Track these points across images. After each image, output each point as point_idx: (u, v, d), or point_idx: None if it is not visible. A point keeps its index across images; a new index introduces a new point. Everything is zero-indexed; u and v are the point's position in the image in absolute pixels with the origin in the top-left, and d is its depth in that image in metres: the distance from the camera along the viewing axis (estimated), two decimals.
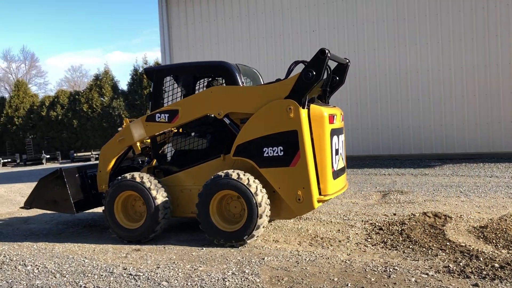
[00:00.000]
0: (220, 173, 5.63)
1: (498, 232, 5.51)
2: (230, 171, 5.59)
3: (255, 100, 5.69)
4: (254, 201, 5.39)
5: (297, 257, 5.10)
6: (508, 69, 12.39)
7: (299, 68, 5.70)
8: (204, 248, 5.65)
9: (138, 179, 6.00)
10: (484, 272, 4.25)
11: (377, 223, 6.33)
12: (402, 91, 13.51)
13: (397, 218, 6.52)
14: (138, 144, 6.46)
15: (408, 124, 13.48)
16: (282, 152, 5.47)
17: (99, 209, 7.58)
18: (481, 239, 5.33)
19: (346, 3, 13.93)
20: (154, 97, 6.47)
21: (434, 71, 13.12)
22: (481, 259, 4.61)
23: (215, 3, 15.48)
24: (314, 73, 5.34)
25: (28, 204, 6.88)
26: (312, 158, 5.45)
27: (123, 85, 56.86)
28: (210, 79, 6.78)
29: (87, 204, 6.88)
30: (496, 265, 4.40)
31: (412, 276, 4.30)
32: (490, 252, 4.82)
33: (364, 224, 6.39)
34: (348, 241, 5.62)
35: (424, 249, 5.10)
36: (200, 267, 4.95)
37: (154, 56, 69.80)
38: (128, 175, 6.11)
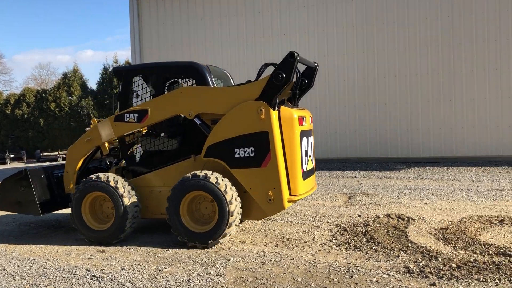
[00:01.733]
0: (188, 174, 5.61)
1: (457, 234, 5.69)
2: (197, 172, 5.59)
3: (226, 101, 5.72)
4: (225, 199, 5.40)
5: (263, 258, 5.14)
6: (470, 76, 12.79)
7: (269, 70, 5.77)
8: (170, 250, 5.62)
9: (105, 180, 5.92)
10: (442, 272, 4.39)
11: (342, 225, 6.44)
12: (369, 96, 13.79)
13: (361, 220, 6.65)
14: (106, 144, 6.40)
15: (375, 128, 13.76)
16: (253, 153, 5.51)
17: (65, 211, 7.44)
18: (441, 240, 5.50)
19: (316, 9, 14.11)
20: (122, 97, 6.43)
21: (401, 77, 13.44)
22: (440, 259, 4.76)
23: (187, 4, 15.43)
24: (284, 75, 5.42)
25: None
26: (283, 159, 5.52)
27: (93, 84, 55.91)
28: (178, 79, 6.69)
29: (53, 205, 6.73)
30: (454, 265, 4.55)
31: (374, 277, 4.40)
32: (449, 253, 4.98)
33: (330, 225, 6.49)
34: (313, 242, 5.70)
35: (386, 250, 5.22)
36: (165, 268, 4.93)
37: (126, 55, 68.94)
38: (95, 176, 6.02)
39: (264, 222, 6.84)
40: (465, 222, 6.21)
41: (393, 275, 4.41)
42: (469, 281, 4.16)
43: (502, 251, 4.96)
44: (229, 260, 5.10)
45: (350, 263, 4.82)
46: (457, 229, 5.90)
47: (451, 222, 6.26)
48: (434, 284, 4.13)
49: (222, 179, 5.53)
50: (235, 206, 5.48)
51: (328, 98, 14.15)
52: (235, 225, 5.59)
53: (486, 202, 7.72)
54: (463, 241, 5.41)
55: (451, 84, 12.96)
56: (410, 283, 4.21)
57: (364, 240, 5.65)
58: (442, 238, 5.60)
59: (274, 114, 5.49)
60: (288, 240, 5.86)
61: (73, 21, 79.10)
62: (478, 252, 4.98)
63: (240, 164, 5.57)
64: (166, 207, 5.67)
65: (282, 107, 5.65)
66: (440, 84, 13.06)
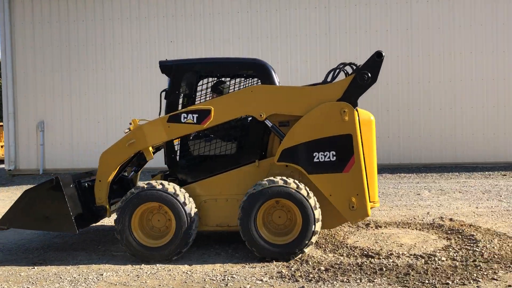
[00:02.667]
0: (263, 181, 5.16)
1: (327, 238, 6.05)
2: (273, 178, 5.15)
3: (304, 102, 5.36)
4: (310, 206, 5.04)
5: (139, 270, 4.98)
6: (406, 86, 13.22)
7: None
8: (35, 267, 5.19)
9: (170, 189, 5.21)
10: (311, 275, 4.63)
11: (223, 232, 6.49)
12: None
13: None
14: (150, 148, 5.63)
15: None
16: (334, 157, 5.19)
17: None
18: (313, 245, 5.80)
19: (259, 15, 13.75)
20: (172, 95, 5.70)
21: None
22: (310, 263, 5.02)
23: (66, 2, 14.53)
24: (370, 75, 5.21)
25: (5, 223, 5.50)
26: (363, 164, 5.24)
27: None
28: (242, 78, 6.08)
29: (85, 220, 5.67)
30: (322, 268, 4.83)
31: (248, 283, 4.49)
32: (319, 256, 5.27)
33: (213, 234, 6.50)
34: (191, 252, 5.65)
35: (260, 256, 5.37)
36: None
37: None
38: (144, 184, 5.32)
39: None
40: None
41: (266, 281, 4.55)
42: (334, 282, 4.44)
43: (365, 252, 5.37)
44: (102, 275, 4.86)
45: (226, 271, 4.87)
46: (328, 233, 6.28)
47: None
48: (302, 287, 4.34)
49: (301, 184, 5.15)
50: (318, 212, 5.13)
51: None
52: (318, 233, 5.24)
53: None
54: (332, 244, 5.76)
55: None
56: (282, 287, 4.38)
57: (243, 247, 5.74)
58: (314, 242, 5.91)
59: (357, 115, 5.23)
60: None
61: None
62: (344, 254, 5.35)
63: (320, 169, 5.20)
64: (239, 217, 5.14)
65: (358, 109, 5.34)
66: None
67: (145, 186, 5.26)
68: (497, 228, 6.32)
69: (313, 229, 5.04)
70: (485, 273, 4.53)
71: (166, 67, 5.77)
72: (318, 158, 5.20)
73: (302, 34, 13.58)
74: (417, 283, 4.35)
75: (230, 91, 6.01)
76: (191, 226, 5.20)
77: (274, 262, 5.09)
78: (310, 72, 13.46)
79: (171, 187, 5.25)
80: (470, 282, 4.32)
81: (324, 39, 13.50)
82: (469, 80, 13.06)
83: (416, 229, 6.46)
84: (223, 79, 6.14)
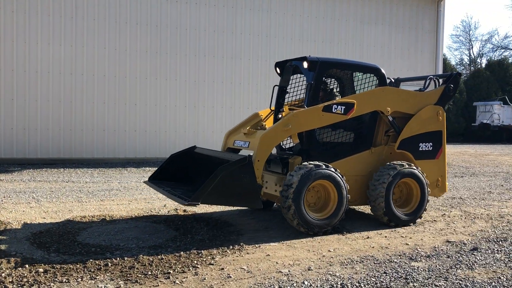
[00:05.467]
0: (393, 163, 6.56)
1: (54, 237, 5.60)
2: (401, 162, 6.60)
3: (416, 103, 6.91)
4: (425, 182, 6.70)
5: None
6: (80, 78, 13.04)
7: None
8: None
9: (332, 169, 6.05)
10: (25, 280, 4.16)
11: None
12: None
13: None
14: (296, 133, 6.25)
15: None
16: (431, 147, 6.98)
17: None
18: (35, 245, 5.27)
19: None
20: (314, 87, 6.51)
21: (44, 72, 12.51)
22: (26, 266, 4.50)
23: None
24: (453, 87, 7.11)
25: (198, 199, 5.38)
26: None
27: None
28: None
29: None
30: (40, 270, 4.38)
31: None
32: (42, 257, 4.81)
33: None
34: None
35: None
36: None
37: None
38: (312, 164, 5.98)
39: None
40: (62, 226, 6.17)
41: None
42: (52, 284, 4.09)
43: (93, 249, 5.16)
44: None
45: None
46: (56, 231, 5.82)
47: (52, 225, 6.15)
48: None
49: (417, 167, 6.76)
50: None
51: None
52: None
53: (93, 202, 7.99)
54: (57, 243, 5.35)
55: (72, 85, 12.95)
56: None
57: None
58: (37, 242, 5.37)
59: (445, 117, 7.13)
60: None
61: None
62: (70, 253, 5.01)
63: (422, 156, 6.92)
64: (380, 193, 6.36)
65: None
66: (60, 84, 12.86)
67: (313, 166, 5.91)
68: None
69: (427, 198, 6.69)
70: (204, 259, 4.88)
71: (312, 62, 6.52)
72: (421, 147, 6.92)
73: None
74: (140, 275, 4.37)
75: (333, 89, 7.30)
76: (347, 199, 6.09)
77: None
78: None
79: (330, 167, 6.04)
80: (189, 269, 4.58)
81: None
82: None
83: (150, 221, 6.56)
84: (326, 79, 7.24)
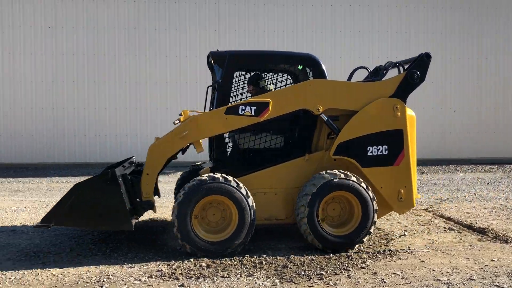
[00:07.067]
0: (326, 174, 5.21)
1: None
2: (335, 171, 5.24)
3: (360, 97, 5.47)
4: (369, 197, 5.20)
5: (1, 277, 4.49)
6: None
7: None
8: None
9: (233, 182, 5.06)
10: (192, 272, 4.56)
11: (96, 234, 6.14)
12: None
13: None
14: (201, 141, 5.40)
15: None
16: (386, 151, 5.41)
17: None
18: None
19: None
20: (224, 86, 5.58)
21: None
22: (192, 260, 4.93)
23: None
24: (419, 73, 5.44)
25: (49, 221, 4.99)
26: (411, 158, 5.49)
27: None
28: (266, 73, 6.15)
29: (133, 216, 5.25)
30: (204, 264, 4.78)
31: (125, 284, 4.29)
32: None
33: (87, 234, 6.11)
34: (65, 254, 5.25)
35: (142, 255, 5.17)
36: None
37: None
38: (205, 176, 5.09)
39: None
40: None
41: (145, 280, 4.38)
42: (215, 278, 4.42)
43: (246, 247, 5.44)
44: None
45: (102, 272, 4.59)
46: None
47: None
48: (182, 285, 4.25)
49: (358, 178, 5.28)
50: (376, 204, 5.26)
51: None
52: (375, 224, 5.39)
53: None
54: None
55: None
56: (161, 286, 4.24)
57: (122, 247, 5.48)
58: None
59: (408, 112, 5.47)
60: (35, 253, 5.26)
61: None
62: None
63: (372, 163, 5.41)
64: (301, 210, 5.16)
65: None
66: None
67: (207, 178, 5.06)
68: None
69: (372, 219, 5.23)
70: (355, 263, 4.84)
71: (219, 57, 5.69)
72: (371, 152, 5.42)
73: None
74: (293, 275, 4.50)
75: (267, 84, 6.12)
76: (254, 218, 5.14)
77: (155, 261, 4.93)
78: None
79: (232, 180, 5.11)
80: (341, 272, 4.58)
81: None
82: None
83: None
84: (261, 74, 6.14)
